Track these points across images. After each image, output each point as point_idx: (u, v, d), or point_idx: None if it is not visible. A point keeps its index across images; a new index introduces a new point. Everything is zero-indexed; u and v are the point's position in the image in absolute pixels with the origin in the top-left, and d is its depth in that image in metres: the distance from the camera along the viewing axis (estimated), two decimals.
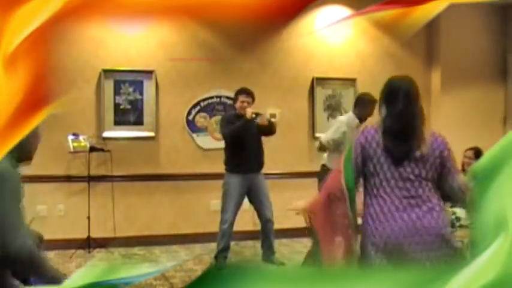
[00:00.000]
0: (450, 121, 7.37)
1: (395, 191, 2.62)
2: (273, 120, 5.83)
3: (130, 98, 6.82)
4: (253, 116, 5.49)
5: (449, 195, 2.71)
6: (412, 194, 2.61)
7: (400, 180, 2.62)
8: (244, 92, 5.64)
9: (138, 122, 6.84)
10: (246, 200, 5.71)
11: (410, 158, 2.62)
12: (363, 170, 2.72)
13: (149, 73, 6.84)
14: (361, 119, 5.71)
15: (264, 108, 6.95)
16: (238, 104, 5.62)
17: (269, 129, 5.68)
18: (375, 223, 2.62)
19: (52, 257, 6.08)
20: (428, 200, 2.61)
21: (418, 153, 2.61)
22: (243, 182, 5.59)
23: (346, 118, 5.81)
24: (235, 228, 5.66)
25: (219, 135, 6.84)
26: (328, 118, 7.48)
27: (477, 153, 5.22)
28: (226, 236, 5.56)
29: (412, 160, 2.62)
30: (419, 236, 2.54)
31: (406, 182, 2.61)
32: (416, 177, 2.61)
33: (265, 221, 5.68)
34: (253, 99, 5.65)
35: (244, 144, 5.54)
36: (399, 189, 2.62)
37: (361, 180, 2.80)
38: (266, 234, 5.72)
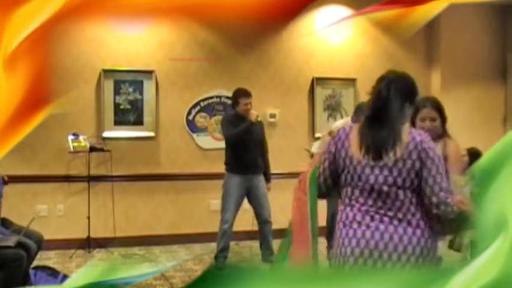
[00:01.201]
0: (450, 121, 7.33)
1: (369, 201, 2.42)
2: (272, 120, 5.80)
3: (130, 98, 6.82)
4: (258, 118, 5.49)
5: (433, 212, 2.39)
6: (388, 205, 2.38)
7: (372, 191, 2.40)
8: (244, 94, 5.61)
9: (138, 122, 6.84)
10: (245, 200, 5.72)
11: (382, 164, 2.39)
12: (333, 179, 2.56)
13: (149, 73, 6.84)
14: None
15: (264, 108, 6.96)
16: (241, 107, 5.59)
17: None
18: (346, 232, 2.46)
19: (52, 257, 6.08)
20: (407, 212, 2.37)
21: (391, 158, 2.38)
22: (242, 183, 5.59)
23: (342, 123, 5.72)
24: (235, 228, 5.67)
25: (219, 135, 6.84)
26: (328, 118, 7.48)
27: (472, 154, 5.16)
28: (226, 236, 5.56)
29: (385, 167, 2.38)
30: (387, 253, 2.34)
31: (381, 193, 2.39)
32: (390, 187, 2.37)
33: (264, 222, 5.69)
34: (251, 97, 5.66)
35: (245, 145, 5.54)
36: (373, 200, 2.41)
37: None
38: (264, 235, 5.72)
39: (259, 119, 5.72)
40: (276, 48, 7.27)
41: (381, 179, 2.39)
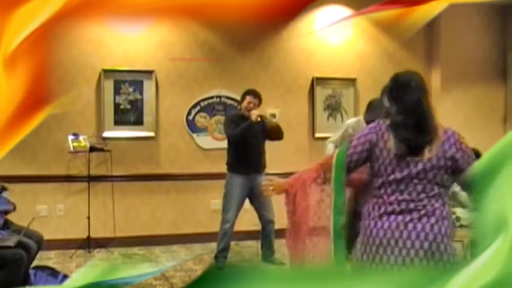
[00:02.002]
0: (450, 121, 7.35)
1: (396, 193, 2.53)
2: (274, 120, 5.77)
3: (130, 98, 6.82)
4: (258, 119, 5.48)
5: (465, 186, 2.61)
6: (413, 197, 2.51)
7: (402, 183, 2.52)
8: (252, 93, 5.62)
9: (138, 122, 6.84)
10: (246, 200, 5.71)
11: (418, 159, 2.51)
12: (358, 166, 2.64)
13: (149, 73, 6.84)
14: (370, 123, 5.65)
15: (264, 108, 6.95)
16: (244, 104, 5.61)
17: (277, 133, 5.66)
18: (369, 223, 2.56)
19: (52, 257, 6.08)
20: (429, 205, 2.50)
21: (427, 155, 2.50)
22: (245, 183, 5.58)
23: (354, 121, 5.72)
24: (236, 228, 5.66)
25: (219, 135, 6.84)
26: (328, 118, 7.48)
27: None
28: (227, 236, 5.56)
29: (420, 162, 2.50)
30: (410, 242, 2.46)
31: (409, 185, 2.51)
32: (420, 181, 2.50)
33: (267, 222, 5.68)
34: (260, 102, 5.63)
35: (248, 145, 5.53)
36: (400, 192, 2.52)
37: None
38: (267, 235, 5.72)
39: (273, 116, 5.69)
40: (276, 48, 7.27)
41: (413, 173, 2.51)
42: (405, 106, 2.55)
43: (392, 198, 2.53)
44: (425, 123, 2.52)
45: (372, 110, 5.62)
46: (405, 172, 2.51)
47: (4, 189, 4.85)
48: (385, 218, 2.53)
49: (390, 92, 2.65)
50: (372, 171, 2.62)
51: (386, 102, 2.67)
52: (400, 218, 2.50)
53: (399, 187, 2.53)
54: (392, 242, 2.49)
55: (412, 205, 2.51)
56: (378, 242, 2.51)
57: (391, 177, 2.54)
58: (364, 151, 2.60)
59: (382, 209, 2.54)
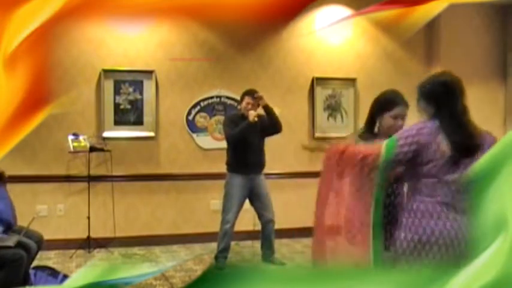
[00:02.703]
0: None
1: (442, 194, 2.61)
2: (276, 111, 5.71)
3: (130, 98, 6.82)
4: (256, 119, 5.48)
5: None
6: (458, 199, 2.58)
7: (449, 185, 2.60)
8: (251, 93, 5.62)
9: (138, 122, 6.84)
10: (246, 200, 5.71)
11: (469, 161, 2.56)
12: (400, 165, 2.68)
13: (149, 73, 6.84)
14: None
15: None
16: (243, 105, 5.61)
17: (274, 126, 5.64)
18: (413, 221, 2.62)
19: (52, 257, 6.08)
20: (464, 206, 2.58)
21: (476, 156, 2.55)
22: (245, 183, 5.58)
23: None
24: (236, 228, 5.66)
25: (219, 135, 6.84)
26: (328, 118, 7.48)
27: None
28: (227, 236, 5.56)
29: (469, 164, 2.55)
30: (450, 241, 2.55)
31: (456, 187, 2.59)
32: (466, 182, 2.54)
33: (267, 222, 5.68)
34: (257, 98, 5.63)
35: (247, 145, 5.53)
36: (445, 194, 2.60)
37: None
38: (267, 235, 5.72)
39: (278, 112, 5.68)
40: (276, 48, 7.27)
41: (462, 174, 2.58)
42: (453, 109, 2.64)
43: (448, 199, 2.60)
44: (473, 126, 2.65)
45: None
46: (458, 173, 2.59)
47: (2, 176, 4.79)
48: (445, 218, 2.58)
49: (435, 94, 2.69)
50: (420, 171, 2.65)
51: (424, 104, 2.71)
52: (458, 218, 2.57)
53: (454, 188, 2.60)
54: (455, 242, 2.56)
55: (457, 205, 2.58)
56: (441, 242, 2.56)
57: (446, 178, 2.60)
58: (411, 152, 2.63)
59: (443, 209, 2.60)
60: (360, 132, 3.27)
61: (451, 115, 2.63)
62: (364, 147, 2.77)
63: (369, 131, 3.20)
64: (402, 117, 3.24)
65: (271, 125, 5.61)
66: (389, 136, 3.24)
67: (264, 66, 7.24)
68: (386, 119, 3.16)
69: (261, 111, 5.63)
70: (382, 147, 2.66)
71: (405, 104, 3.22)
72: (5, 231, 4.47)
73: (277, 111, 7.19)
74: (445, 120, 2.63)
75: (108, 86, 6.74)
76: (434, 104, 2.67)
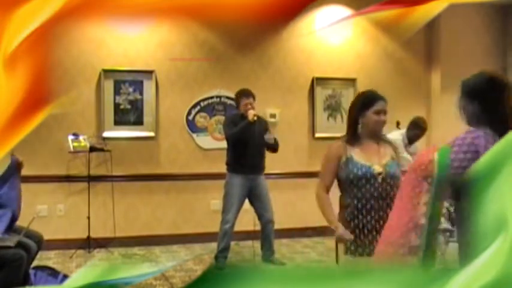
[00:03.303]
0: (450, 121, 7.35)
1: None
2: (274, 137, 5.75)
3: (131, 98, 6.82)
4: (255, 118, 5.49)
5: None
6: None
7: None
8: (245, 94, 5.63)
9: (138, 122, 6.84)
10: (246, 201, 5.71)
11: None
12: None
13: (149, 73, 6.84)
14: (411, 140, 6.02)
15: (264, 108, 6.96)
16: (242, 107, 5.62)
17: (273, 148, 5.70)
18: None
19: (52, 257, 6.08)
20: None
21: None
22: (244, 183, 5.58)
23: (396, 136, 5.71)
24: (236, 228, 5.66)
25: (219, 135, 6.84)
26: (328, 118, 7.48)
27: None
28: (227, 236, 5.56)
29: None
30: None
31: None
32: None
33: (266, 222, 5.68)
34: (254, 98, 5.65)
35: (247, 145, 5.54)
36: None
37: None
38: (266, 235, 5.72)
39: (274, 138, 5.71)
40: (276, 48, 7.27)
41: None
42: (502, 110, 2.28)
43: None
44: None
45: (417, 129, 5.91)
46: None
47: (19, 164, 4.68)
48: None
49: (484, 95, 2.33)
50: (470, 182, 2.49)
51: (466, 101, 2.37)
52: None
53: None
54: None
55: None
56: None
57: None
58: (466, 160, 2.29)
59: None
60: (344, 139, 3.24)
61: (501, 117, 2.26)
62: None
63: (352, 134, 3.18)
64: (384, 112, 3.19)
65: (268, 148, 5.71)
66: (375, 134, 3.22)
67: (264, 66, 7.24)
68: (370, 116, 3.14)
69: (256, 109, 5.66)
70: (433, 153, 2.26)
71: (384, 100, 3.19)
72: (9, 226, 4.45)
73: (276, 111, 7.22)
74: (494, 124, 2.27)
75: (108, 86, 6.74)
76: (477, 102, 2.33)
